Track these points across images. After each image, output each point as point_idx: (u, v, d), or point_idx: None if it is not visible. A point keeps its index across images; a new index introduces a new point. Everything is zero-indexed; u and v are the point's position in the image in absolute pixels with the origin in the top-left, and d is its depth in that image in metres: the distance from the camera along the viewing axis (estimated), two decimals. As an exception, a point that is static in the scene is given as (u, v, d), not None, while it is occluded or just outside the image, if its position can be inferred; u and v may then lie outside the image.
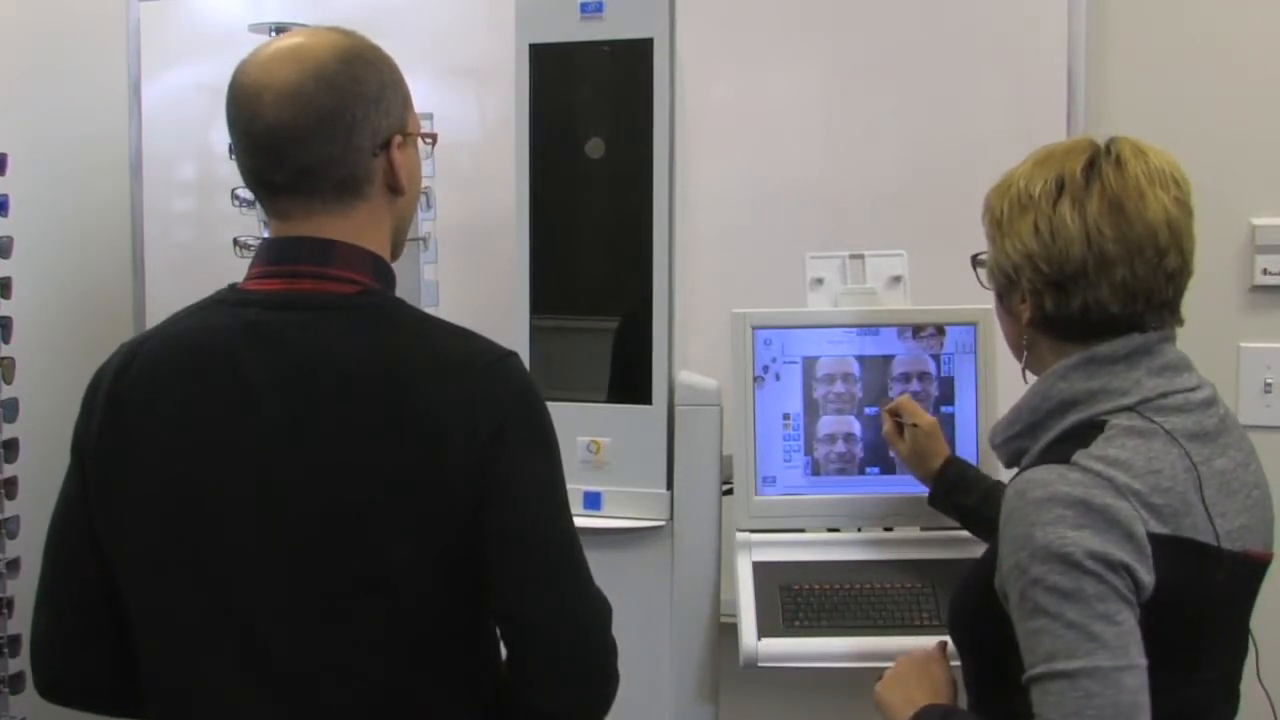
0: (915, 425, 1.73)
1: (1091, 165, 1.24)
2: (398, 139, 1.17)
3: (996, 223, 1.30)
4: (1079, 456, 1.17)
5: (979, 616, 1.27)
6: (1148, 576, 1.12)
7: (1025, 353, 1.31)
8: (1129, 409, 1.21)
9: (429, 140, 1.27)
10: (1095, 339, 1.24)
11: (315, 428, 1.09)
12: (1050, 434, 1.24)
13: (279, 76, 1.11)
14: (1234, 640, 1.25)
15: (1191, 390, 1.23)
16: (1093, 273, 1.22)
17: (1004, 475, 1.28)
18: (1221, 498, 1.19)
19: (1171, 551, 1.14)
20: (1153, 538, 1.13)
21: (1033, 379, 1.31)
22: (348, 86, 1.12)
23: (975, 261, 1.38)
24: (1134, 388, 1.21)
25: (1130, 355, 1.23)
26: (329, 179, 1.13)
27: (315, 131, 1.11)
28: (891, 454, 1.81)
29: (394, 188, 1.18)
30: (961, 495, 1.69)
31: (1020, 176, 1.28)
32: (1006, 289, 1.30)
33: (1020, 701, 1.15)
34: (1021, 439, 1.28)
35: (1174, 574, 1.13)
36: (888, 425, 1.77)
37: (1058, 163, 1.26)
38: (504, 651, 1.16)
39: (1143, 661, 1.10)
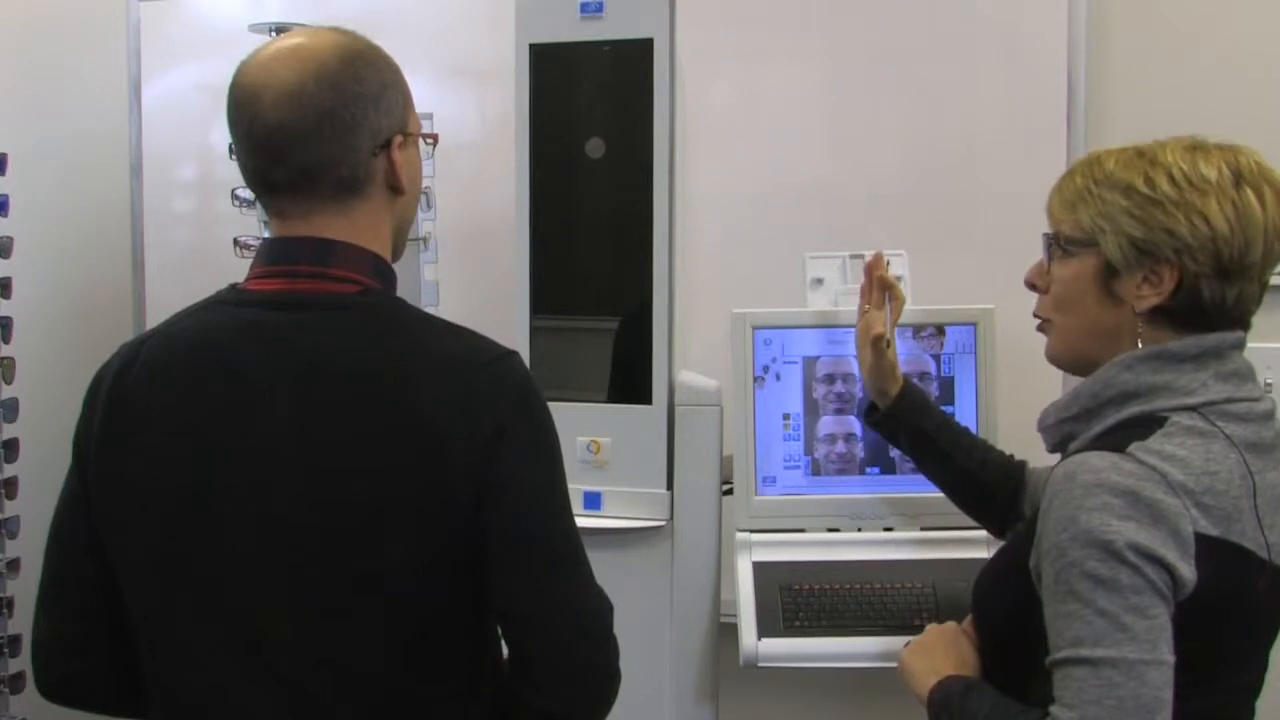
0: (888, 344, 1.66)
1: (1257, 162, 1.22)
2: (398, 139, 1.17)
3: (1149, 199, 1.21)
4: (1135, 448, 1.16)
5: (1008, 596, 1.27)
6: (1190, 574, 1.12)
7: (1138, 337, 1.25)
8: (1192, 409, 1.20)
9: (430, 141, 1.27)
10: (1213, 332, 1.22)
11: (315, 427, 1.08)
12: (1105, 422, 1.23)
13: (279, 76, 1.12)
14: (1264, 652, 1.25)
15: (1255, 401, 1.23)
16: (1259, 266, 1.21)
17: (1047, 461, 1.27)
18: (1271, 510, 1.19)
19: (1218, 553, 1.13)
20: (1200, 537, 1.13)
21: (1073, 382, 1.30)
22: (348, 86, 1.12)
23: (1056, 240, 1.30)
24: (1200, 389, 1.20)
25: (1201, 356, 1.21)
26: (328, 179, 1.13)
27: (314, 131, 1.11)
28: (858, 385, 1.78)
29: (394, 188, 1.18)
30: (921, 418, 1.66)
31: (1174, 158, 1.22)
32: (1131, 268, 1.23)
33: (1035, 689, 1.15)
34: (1075, 423, 1.27)
35: (1217, 576, 1.13)
36: (874, 330, 1.67)
37: (1217, 154, 1.22)
38: (505, 649, 1.16)
39: (1170, 658, 1.10)
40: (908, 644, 1.40)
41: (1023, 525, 1.29)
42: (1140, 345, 1.25)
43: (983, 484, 1.63)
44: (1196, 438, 1.17)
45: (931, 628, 1.41)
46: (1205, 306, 1.22)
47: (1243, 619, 1.19)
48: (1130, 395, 1.22)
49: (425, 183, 1.82)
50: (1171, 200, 1.21)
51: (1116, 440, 1.18)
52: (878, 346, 1.66)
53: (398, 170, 1.17)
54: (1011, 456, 1.65)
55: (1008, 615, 1.27)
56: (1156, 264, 1.22)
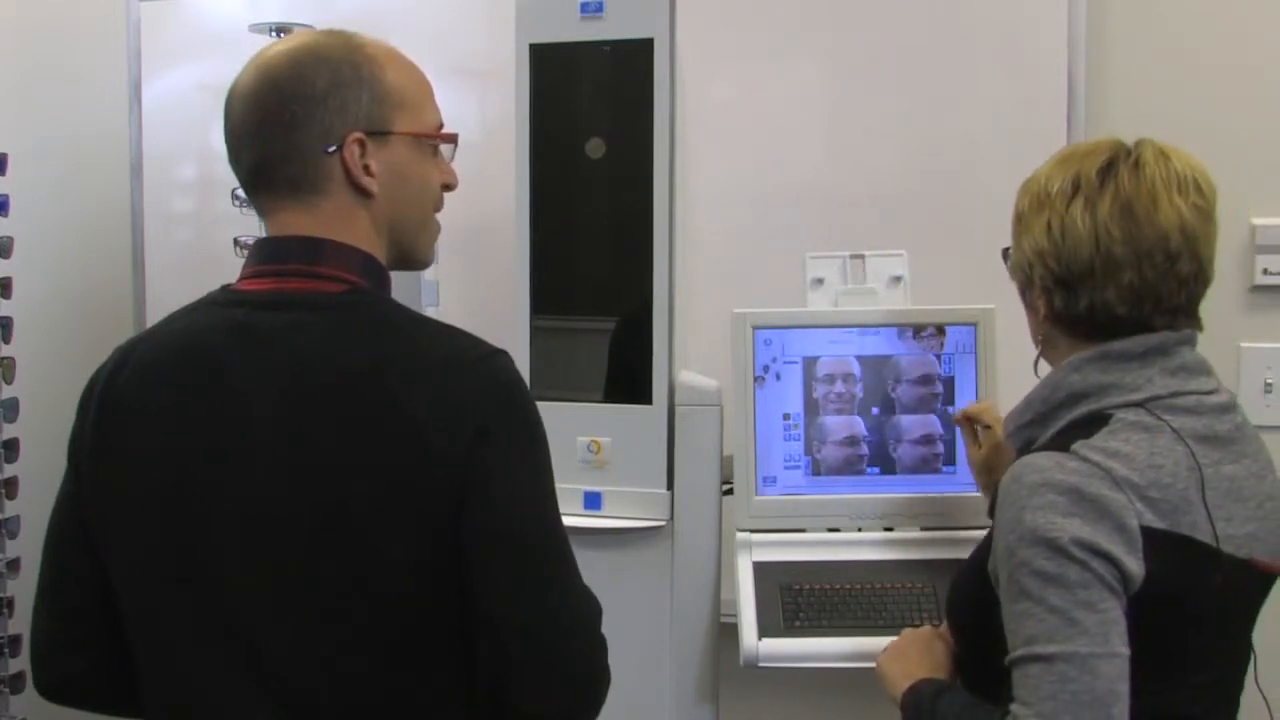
0: (989, 428, 1.65)
1: (1109, 167, 1.24)
2: (355, 136, 1.14)
3: (1019, 219, 1.31)
4: (1079, 446, 1.17)
5: (973, 599, 1.28)
6: (1138, 568, 1.13)
7: (1041, 345, 1.32)
8: (1138, 405, 1.21)
9: (433, 140, 1.22)
10: (1105, 338, 1.24)
11: (303, 428, 1.08)
12: (1059, 424, 1.24)
13: (241, 81, 1.16)
14: (1232, 647, 1.25)
15: (1206, 394, 1.23)
16: (1100, 274, 1.22)
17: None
18: (1227, 502, 1.19)
19: (1166, 546, 1.14)
20: (1147, 531, 1.14)
21: (1046, 371, 1.31)
22: (287, 84, 1.13)
23: (1006, 254, 1.39)
24: (1145, 385, 1.22)
25: (1146, 354, 1.23)
26: (279, 177, 1.14)
27: (257, 131, 1.14)
28: (958, 458, 1.78)
29: (357, 187, 1.15)
30: None
31: (1043, 174, 1.29)
32: (1025, 284, 1.32)
33: (1006, 689, 1.15)
34: (1032, 428, 1.28)
35: (1167, 569, 1.14)
36: (965, 432, 1.72)
37: (1077, 162, 1.26)
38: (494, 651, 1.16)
39: (1124, 651, 1.11)
40: (885, 650, 1.41)
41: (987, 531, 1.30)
42: (1040, 349, 1.32)
43: None
44: (1142, 432, 1.18)
45: (907, 632, 1.42)
46: (1064, 314, 1.26)
47: (1199, 612, 1.19)
48: (1080, 396, 1.24)
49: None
50: (1025, 219, 1.29)
51: (1066, 440, 1.20)
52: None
53: (351, 169, 1.14)
54: None
55: (977, 617, 1.27)
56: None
